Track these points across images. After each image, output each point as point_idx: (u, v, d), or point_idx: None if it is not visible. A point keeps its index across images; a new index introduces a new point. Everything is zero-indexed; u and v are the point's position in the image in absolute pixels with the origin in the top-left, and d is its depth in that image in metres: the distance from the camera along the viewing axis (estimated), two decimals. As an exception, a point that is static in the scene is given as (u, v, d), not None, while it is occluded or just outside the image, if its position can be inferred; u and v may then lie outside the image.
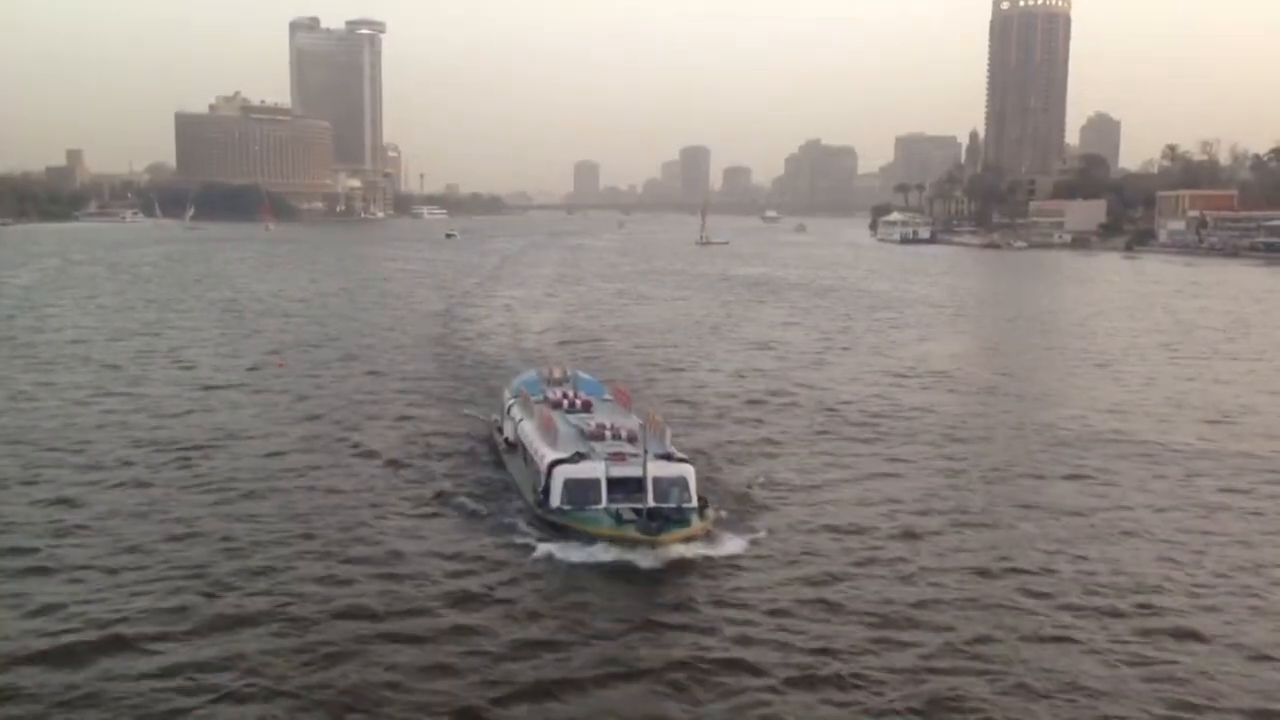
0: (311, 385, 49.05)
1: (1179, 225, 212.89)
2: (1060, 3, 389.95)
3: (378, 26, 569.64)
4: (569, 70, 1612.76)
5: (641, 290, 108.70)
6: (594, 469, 27.26)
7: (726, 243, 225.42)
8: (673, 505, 26.48)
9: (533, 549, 26.02)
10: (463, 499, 30.49)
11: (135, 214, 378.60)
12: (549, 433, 29.63)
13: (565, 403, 34.33)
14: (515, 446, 32.76)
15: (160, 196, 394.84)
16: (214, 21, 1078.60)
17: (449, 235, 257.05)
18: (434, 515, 29.21)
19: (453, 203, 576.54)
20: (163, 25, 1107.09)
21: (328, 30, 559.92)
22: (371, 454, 35.67)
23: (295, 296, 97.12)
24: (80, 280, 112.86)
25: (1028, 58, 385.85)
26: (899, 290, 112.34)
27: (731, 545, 26.29)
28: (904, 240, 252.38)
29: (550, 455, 27.98)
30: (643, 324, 76.73)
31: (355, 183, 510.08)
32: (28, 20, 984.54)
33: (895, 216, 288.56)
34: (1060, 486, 33.26)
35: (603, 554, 25.25)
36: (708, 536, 26.30)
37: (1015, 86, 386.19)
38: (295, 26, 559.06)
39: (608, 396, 36.52)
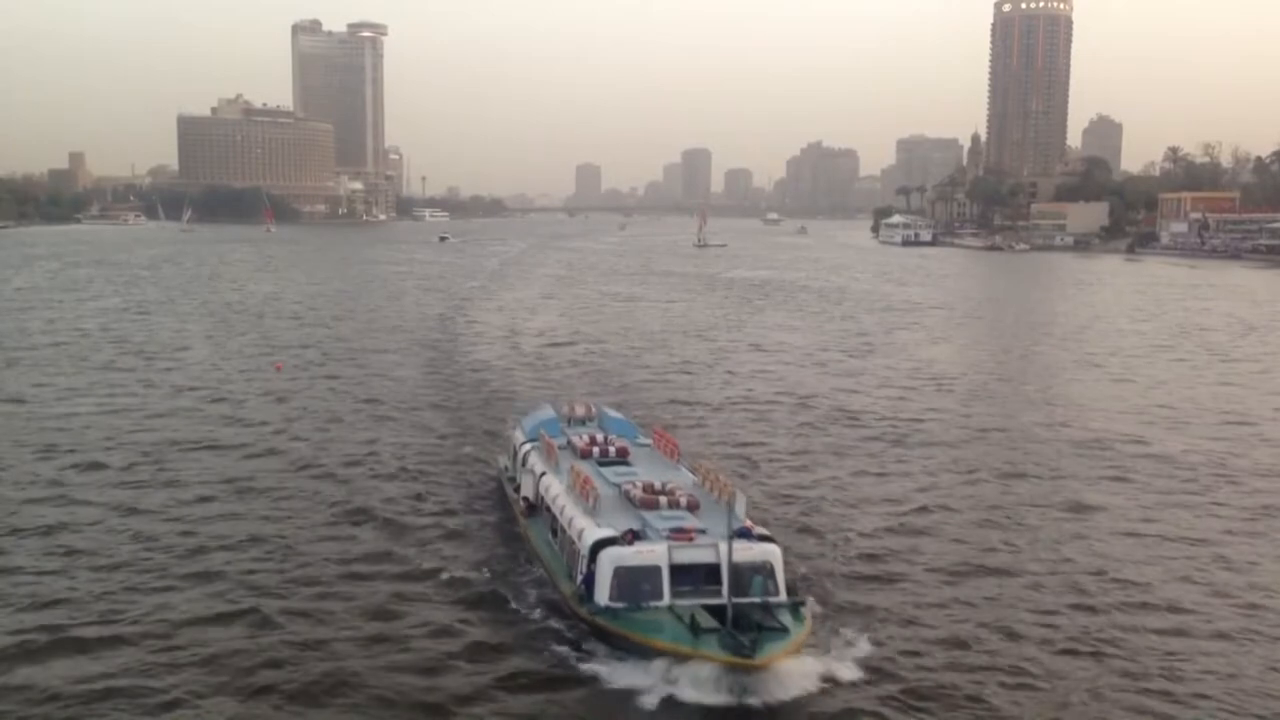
0: (300, 405, 44.40)
1: (1181, 227, 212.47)
2: (1061, 5, 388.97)
3: (379, 29, 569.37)
4: (571, 73, 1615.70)
5: (638, 293, 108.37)
6: (653, 553, 20.60)
7: (724, 245, 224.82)
8: (756, 599, 20.06)
9: (571, 668, 19.71)
10: (470, 580, 24.06)
11: (138, 216, 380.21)
12: (585, 497, 23.07)
13: (595, 450, 27.43)
14: (537, 508, 26.02)
15: (163, 199, 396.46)
16: (216, 24, 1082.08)
17: (442, 239, 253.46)
18: (434, 605, 22.82)
19: (454, 205, 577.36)
20: (165, 28, 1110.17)
21: (329, 33, 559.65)
22: (359, 511, 29.40)
23: (291, 299, 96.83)
24: (75, 282, 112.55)
25: (1029, 60, 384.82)
26: (903, 293, 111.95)
27: (841, 659, 19.79)
28: (906, 243, 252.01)
29: (594, 533, 21.46)
30: (643, 329, 76.31)
31: (357, 185, 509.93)
32: (30, 22, 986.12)
33: (897, 219, 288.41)
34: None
35: (672, 677, 18.58)
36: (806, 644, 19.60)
37: (1017, 89, 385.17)
38: (297, 29, 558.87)
39: (644, 440, 29.61)
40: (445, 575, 24.46)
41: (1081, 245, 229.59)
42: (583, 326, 76.21)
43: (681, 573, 20.52)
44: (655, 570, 20.50)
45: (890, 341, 70.12)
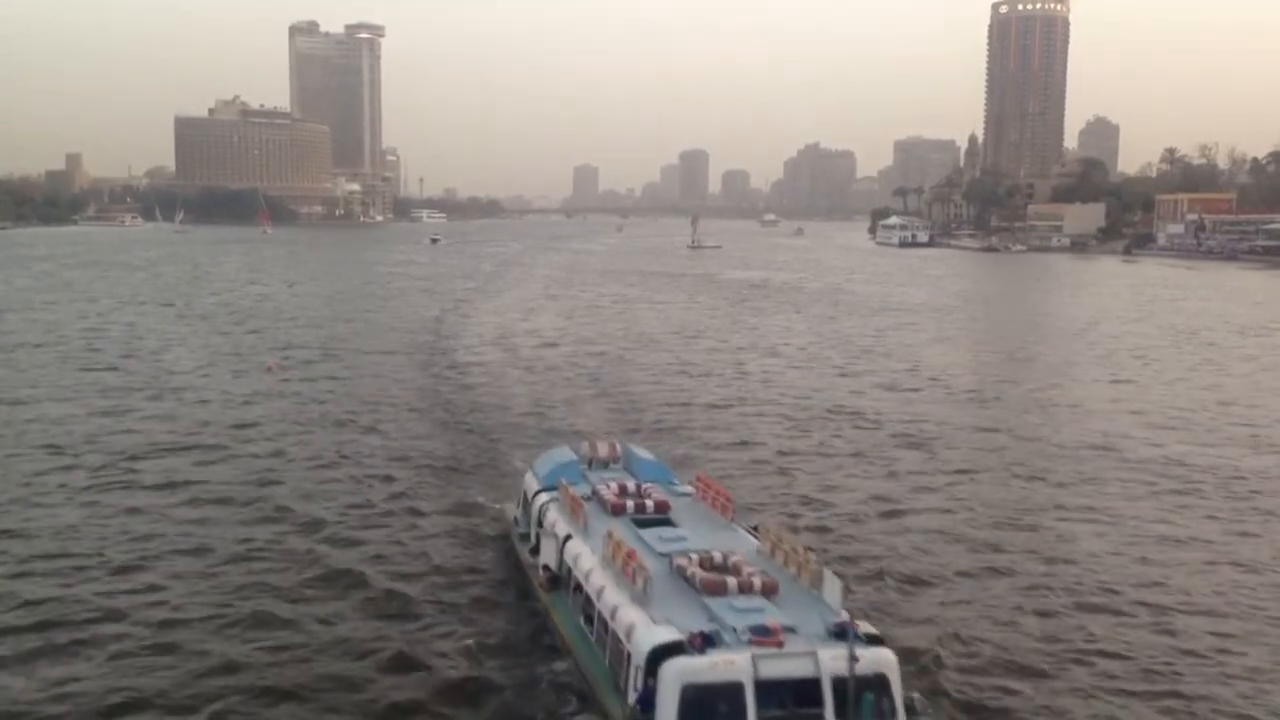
0: (281, 420, 40.74)
1: (1178, 229, 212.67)
2: (1058, 6, 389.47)
3: (377, 30, 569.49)
4: (568, 74, 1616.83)
5: (635, 295, 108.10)
6: (733, 665, 15.40)
7: (719, 247, 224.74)
8: None
9: None
10: (474, 677, 19.05)
11: (134, 218, 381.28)
12: (630, 576, 17.58)
13: (630, 505, 22.11)
14: (562, 580, 20.72)
15: (160, 200, 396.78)
16: (213, 25, 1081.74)
17: (434, 240, 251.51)
18: (426, 713, 18.21)
19: (451, 206, 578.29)
20: (162, 29, 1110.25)
21: (327, 34, 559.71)
22: (333, 570, 24.33)
23: (285, 299, 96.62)
24: (68, 283, 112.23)
25: (1026, 61, 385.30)
26: (901, 294, 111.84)
27: None
28: (903, 244, 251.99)
29: (650, 634, 16.08)
30: (640, 331, 76.05)
31: (354, 186, 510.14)
32: (26, 23, 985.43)
33: (894, 220, 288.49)
34: None
35: None
36: None
37: (1013, 90, 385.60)
38: (294, 30, 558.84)
39: (683, 489, 24.12)
40: (440, 667, 19.30)
41: (1078, 246, 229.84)
42: (581, 329, 75.85)
43: (769, 690, 15.35)
44: (737, 689, 15.28)
45: (891, 343, 69.88)
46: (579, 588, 19.39)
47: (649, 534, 20.27)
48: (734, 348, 65.93)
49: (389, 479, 32.48)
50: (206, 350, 61.84)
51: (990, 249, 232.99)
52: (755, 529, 21.20)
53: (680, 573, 18.13)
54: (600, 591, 18.20)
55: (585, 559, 19.56)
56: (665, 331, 74.33)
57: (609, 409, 44.50)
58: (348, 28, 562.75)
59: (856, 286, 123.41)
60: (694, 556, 18.53)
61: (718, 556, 18.56)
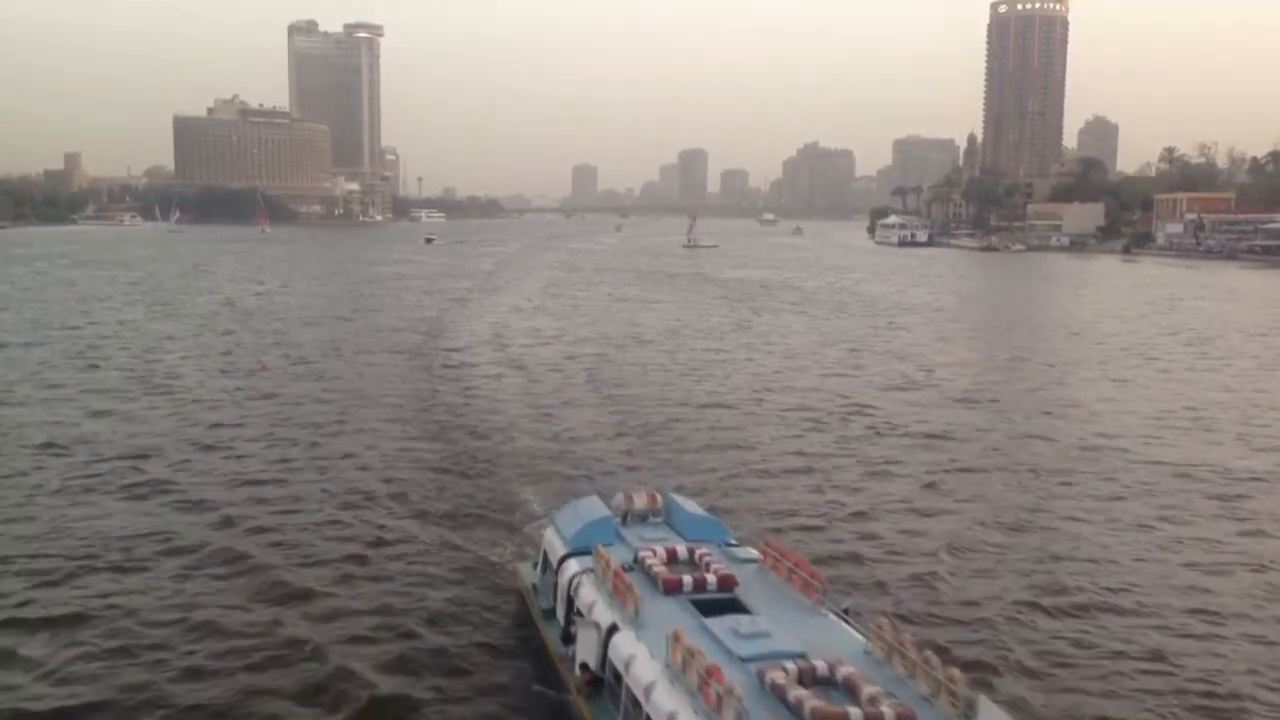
0: (263, 430, 37.95)
1: (1177, 228, 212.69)
2: (1057, 6, 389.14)
3: (376, 29, 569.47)
4: (567, 73, 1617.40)
5: (635, 294, 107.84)
6: None
7: (715, 246, 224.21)
8: None
9: None
10: None
11: (133, 217, 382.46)
12: (715, 704, 12.75)
13: (687, 580, 17.06)
14: (607, 688, 15.77)
15: (159, 200, 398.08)
16: (212, 25, 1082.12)
17: (428, 240, 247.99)
18: None
19: (450, 206, 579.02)
20: (161, 29, 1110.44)
21: (325, 33, 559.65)
22: (313, 650, 19.58)
23: (280, 300, 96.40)
24: (61, 282, 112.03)
25: (1025, 61, 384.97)
26: (900, 294, 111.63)
27: None
28: (902, 243, 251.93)
29: None
30: (641, 333, 75.73)
31: (354, 186, 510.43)
32: (27, 23, 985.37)
33: (893, 219, 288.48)
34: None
35: None
36: None
37: (1013, 90, 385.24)
38: (293, 30, 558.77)
39: (747, 554, 19.12)
40: None
41: (1077, 246, 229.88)
42: (579, 329, 75.53)
43: None
44: None
45: (890, 342, 69.64)
46: (636, 703, 14.33)
47: (718, 625, 15.20)
48: (732, 346, 65.63)
49: (374, 510, 28.48)
50: (198, 350, 61.37)
51: (989, 248, 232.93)
52: (846, 612, 16.45)
53: (778, 693, 12.91)
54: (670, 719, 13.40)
55: (642, 666, 14.57)
56: (662, 331, 74.07)
57: (608, 411, 44.19)
58: (347, 27, 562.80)
59: (855, 285, 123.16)
60: (790, 667, 13.48)
61: (821, 666, 13.59)
